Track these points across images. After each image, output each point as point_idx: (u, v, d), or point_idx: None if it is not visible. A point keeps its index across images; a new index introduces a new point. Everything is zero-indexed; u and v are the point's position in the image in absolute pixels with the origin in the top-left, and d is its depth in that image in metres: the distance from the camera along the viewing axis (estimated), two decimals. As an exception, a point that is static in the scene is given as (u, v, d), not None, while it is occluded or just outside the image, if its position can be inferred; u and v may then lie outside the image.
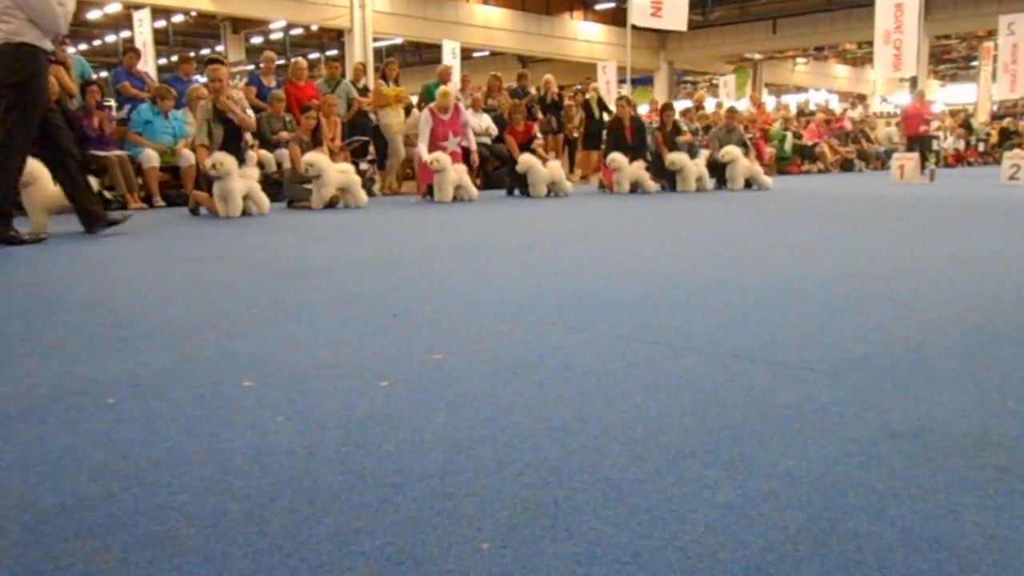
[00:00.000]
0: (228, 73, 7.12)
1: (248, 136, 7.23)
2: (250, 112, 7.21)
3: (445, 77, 10.35)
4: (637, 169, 9.30)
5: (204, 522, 1.14)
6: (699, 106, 12.17)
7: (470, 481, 1.26)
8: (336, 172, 7.20)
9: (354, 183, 7.41)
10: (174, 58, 12.98)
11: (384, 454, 1.38)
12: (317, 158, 7.01)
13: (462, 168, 8.23)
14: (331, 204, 7.25)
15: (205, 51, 28.56)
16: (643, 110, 13.34)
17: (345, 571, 1.00)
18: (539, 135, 9.89)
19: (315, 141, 7.56)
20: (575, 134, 11.98)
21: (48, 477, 1.30)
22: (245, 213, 6.59)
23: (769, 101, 24.31)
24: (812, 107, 19.98)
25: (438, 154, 7.90)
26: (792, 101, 21.31)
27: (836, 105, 22.31)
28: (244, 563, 1.03)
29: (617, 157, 9.17)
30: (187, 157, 7.73)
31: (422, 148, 8.22)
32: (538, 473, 1.29)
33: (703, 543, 1.06)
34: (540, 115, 11.04)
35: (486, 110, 10.55)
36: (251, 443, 1.44)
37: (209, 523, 1.14)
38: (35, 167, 5.18)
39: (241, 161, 6.65)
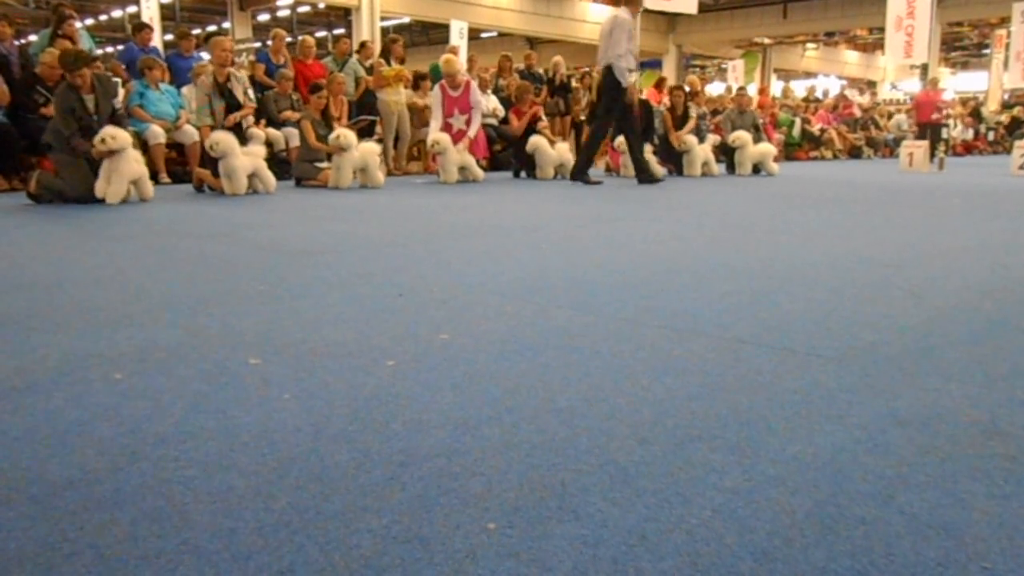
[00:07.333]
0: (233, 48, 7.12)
1: (251, 116, 7.22)
2: (251, 93, 7.18)
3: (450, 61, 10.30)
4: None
5: (211, 497, 1.14)
6: (695, 92, 11.99)
7: (477, 461, 1.26)
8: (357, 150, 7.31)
9: (372, 163, 7.40)
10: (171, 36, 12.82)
11: (391, 433, 1.38)
12: (345, 132, 7.10)
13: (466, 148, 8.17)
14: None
15: (212, 28, 28.42)
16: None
17: (352, 549, 1.01)
18: (543, 117, 9.81)
19: (325, 120, 7.54)
20: (582, 116, 11.91)
21: (56, 451, 1.31)
22: (252, 191, 6.58)
23: (777, 86, 24.13)
24: (818, 94, 19.78)
25: (438, 135, 7.87)
26: (799, 87, 21.12)
27: (838, 90, 22.11)
28: (251, 539, 1.03)
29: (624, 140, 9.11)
30: (190, 133, 7.71)
31: (434, 125, 8.16)
32: (545, 454, 1.29)
33: (710, 527, 1.06)
34: (547, 97, 10.97)
35: (495, 91, 10.48)
36: (258, 420, 1.44)
37: (216, 498, 1.14)
38: (124, 137, 5.37)
39: (243, 140, 6.64)
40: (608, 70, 7.49)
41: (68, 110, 5.60)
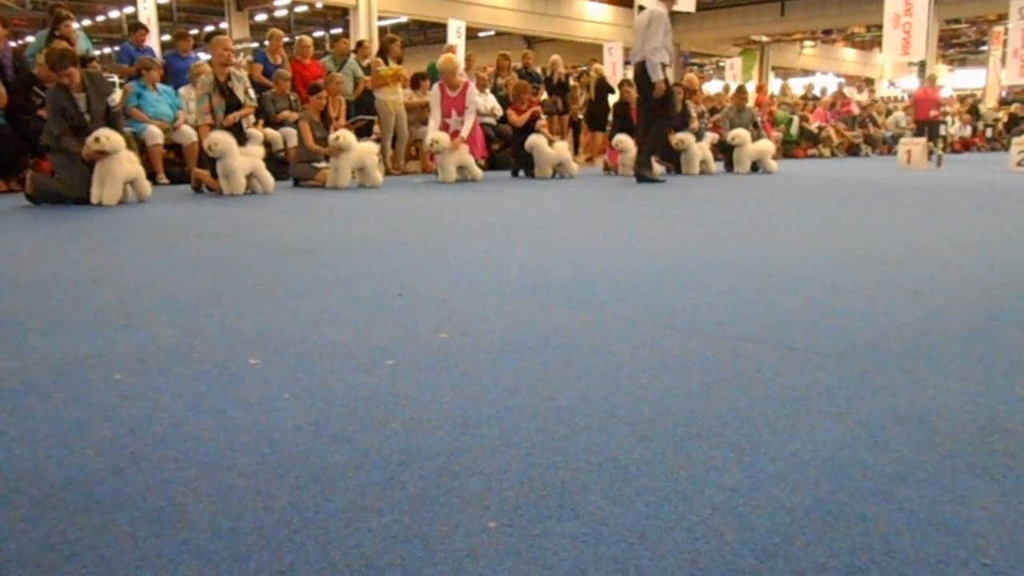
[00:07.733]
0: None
1: (251, 116, 7.22)
2: (252, 93, 7.19)
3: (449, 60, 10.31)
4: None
5: (211, 498, 1.14)
6: (694, 90, 11.97)
7: (477, 460, 1.26)
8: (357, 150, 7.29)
9: (370, 163, 7.40)
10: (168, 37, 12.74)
11: (391, 432, 1.38)
12: (345, 134, 7.09)
13: (464, 148, 8.17)
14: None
15: (209, 28, 28.39)
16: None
17: (352, 548, 1.01)
18: (542, 116, 9.81)
19: (324, 121, 7.54)
20: (579, 115, 11.91)
21: (56, 452, 1.31)
22: (250, 192, 6.58)
23: (775, 84, 24.12)
24: (816, 92, 19.73)
25: (437, 134, 7.87)
26: (797, 84, 21.10)
27: (836, 88, 22.12)
28: (251, 539, 1.03)
29: (623, 139, 9.12)
30: (188, 134, 7.70)
31: (433, 124, 8.15)
32: (544, 453, 1.29)
33: (710, 524, 1.06)
34: (545, 96, 10.97)
35: (493, 90, 10.48)
36: (257, 420, 1.44)
37: (216, 499, 1.14)
38: (117, 140, 5.38)
39: (242, 140, 6.64)
40: (641, 65, 7.61)
41: (58, 110, 5.61)
